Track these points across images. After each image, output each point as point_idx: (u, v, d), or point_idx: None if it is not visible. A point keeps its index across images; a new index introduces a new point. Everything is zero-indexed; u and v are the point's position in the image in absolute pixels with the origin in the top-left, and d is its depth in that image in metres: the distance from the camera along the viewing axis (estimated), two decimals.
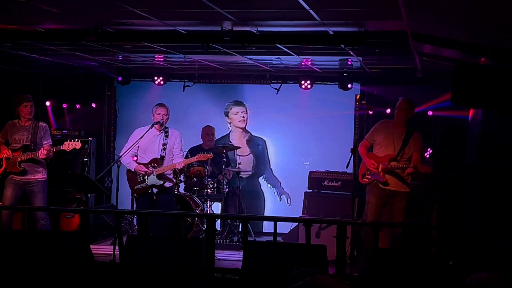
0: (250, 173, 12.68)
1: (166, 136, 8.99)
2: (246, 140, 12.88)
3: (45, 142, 9.00)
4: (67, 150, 8.98)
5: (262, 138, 12.79)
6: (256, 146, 12.80)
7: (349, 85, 11.56)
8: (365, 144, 8.71)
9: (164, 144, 8.96)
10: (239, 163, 11.39)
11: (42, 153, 8.78)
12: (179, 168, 8.96)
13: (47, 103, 12.29)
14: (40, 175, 9.01)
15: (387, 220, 8.45)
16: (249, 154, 12.77)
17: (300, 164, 12.07)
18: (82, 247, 7.12)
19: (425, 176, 9.75)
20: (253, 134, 12.80)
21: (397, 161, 8.39)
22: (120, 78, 12.22)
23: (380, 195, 8.40)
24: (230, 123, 12.81)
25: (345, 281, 6.46)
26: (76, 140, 9.03)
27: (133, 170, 9.03)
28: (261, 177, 12.77)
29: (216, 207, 11.22)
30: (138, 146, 9.03)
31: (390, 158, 8.39)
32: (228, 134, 12.79)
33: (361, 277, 7.15)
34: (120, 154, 9.21)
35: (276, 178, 12.62)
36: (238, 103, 12.75)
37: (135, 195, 9.46)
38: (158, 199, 8.99)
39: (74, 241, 7.27)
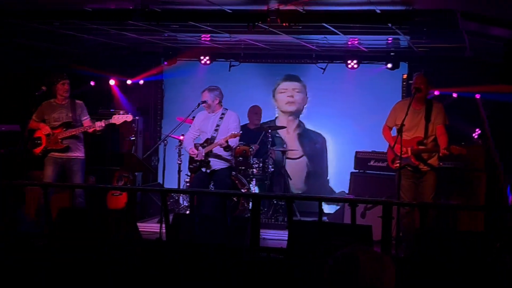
0: (298, 156, 12.04)
1: (221, 118, 9.06)
2: (298, 134, 12.24)
3: (84, 118, 9.07)
4: (117, 124, 9.04)
5: (320, 134, 12.15)
6: (313, 144, 12.11)
7: (392, 65, 11.43)
8: (387, 128, 8.57)
9: (217, 125, 9.02)
10: (285, 143, 11.34)
11: (99, 125, 8.80)
12: (221, 145, 8.89)
13: (92, 83, 12.42)
14: (80, 153, 9.04)
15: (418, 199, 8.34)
16: (302, 156, 12.03)
17: (347, 144, 11.89)
18: (129, 225, 7.21)
19: (475, 156, 9.62)
20: (307, 127, 12.19)
21: (424, 144, 8.23)
22: (165, 63, 12.32)
23: (411, 177, 8.27)
24: (277, 107, 12.41)
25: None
26: (123, 113, 9.08)
27: (188, 152, 9.17)
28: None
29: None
30: (199, 129, 9.19)
31: (418, 141, 8.23)
32: (274, 120, 12.30)
33: (408, 258, 7.11)
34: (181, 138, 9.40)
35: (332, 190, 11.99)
36: (290, 77, 12.28)
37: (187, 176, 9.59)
38: (214, 180, 9.09)
39: (121, 219, 7.37)
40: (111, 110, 11.80)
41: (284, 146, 11.37)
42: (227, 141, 8.72)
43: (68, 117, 8.97)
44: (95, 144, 9.37)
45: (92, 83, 12.49)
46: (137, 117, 12.08)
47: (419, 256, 6.46)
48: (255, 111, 11.62)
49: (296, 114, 12.31)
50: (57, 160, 8.96)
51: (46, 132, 8.93)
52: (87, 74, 12.12)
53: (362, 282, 2.83)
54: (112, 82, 12.46)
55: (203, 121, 9.17)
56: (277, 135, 11.84)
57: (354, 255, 2.89)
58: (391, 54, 11.46)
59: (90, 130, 8.91)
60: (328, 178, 12.17)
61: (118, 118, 8.93)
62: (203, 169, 9.03)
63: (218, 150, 8.95)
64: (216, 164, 9.02)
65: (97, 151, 9.40)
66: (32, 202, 9.50)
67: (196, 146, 9.08)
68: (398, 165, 8.23)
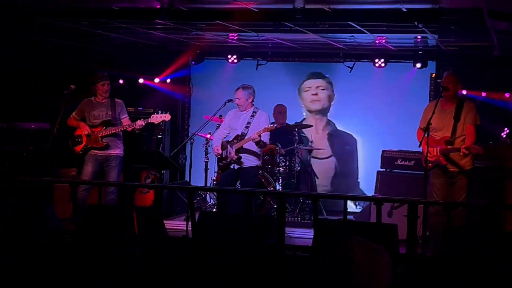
0: (326, 156, 11.95)
1: (253, 116, 9.08)
2: (328, 134, 12.15)
3: (123, 117, 9.17)
4: (156, 123, 9.15)
5: (351, 135, 12.08)
6: (343, 145, 12.02)
7: (421, 64, 11.38)
8: (420, 130, 8.49)
9: (248, 123, 9.04)
10: (311, 141, 11.31)
11: (139, 124, 8.88)
12: (254, 139, 8.90)
13: (121, 81, 12.50)
14: (119, 150, 9.16)
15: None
16: (330, 156, 11.90)
17: (374, 143, 11.82)
18: (156, 222, 7.27)
19: (505, 155, 9.53)
20: (338, 127, 12.10)
21: (452, 143, 8.15)
22: (193, 62, 12.35)
23: (443, 176, 8.21)
24: (303, 106, 12.36)
25: (417, 260, 6.40)
26: (160, 112, 9.17)
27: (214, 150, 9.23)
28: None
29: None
30: (229, 126, 9.21)
31: (445, 141, 8.16)
32: (302, 121, 12.20)
33: (434, 257, 7.08)
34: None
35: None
36: (314, 75, 12.23)
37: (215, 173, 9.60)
38: (241, 178, 9.13)
39: (148, 216, 7.42)
40: (139, 108, 11.88)
41: (310, 144, 11.34)
42: (260, 136, 8.73)
43: (108, 115, 9.07)
44: (123, 143, 9.44)
45: (120, 81, 12.58)
46: None
47: (446, 256, 6.43)
48: (279, 110, 11.62)
49: (322, 112, 12.27)
50: (97, 158, 9.07)
51: (86, 132, 9.04)
52: (115, 73, 12.19)
53: (357, 280, 2.82)
54: (141, 80, 12.55)
55: (233, 119, 9.19)
56: (302, 134, 11.80)
57: (348, 253, 2.87)
58: (419, 52, 11.40)
59: (129, 129, 9.01)
60: (358, 180, 12.10)
61: (157, 118, 9.04)
62: (232, 166, 9.06)
63: (249, 146, 8.98)
64: (246, 162, 9.04)
65: (126, 149, 9.46)
66: (62, 200, 9.60)
67: (223, 145, 9.10)
68: (430, 165, 8.16)
